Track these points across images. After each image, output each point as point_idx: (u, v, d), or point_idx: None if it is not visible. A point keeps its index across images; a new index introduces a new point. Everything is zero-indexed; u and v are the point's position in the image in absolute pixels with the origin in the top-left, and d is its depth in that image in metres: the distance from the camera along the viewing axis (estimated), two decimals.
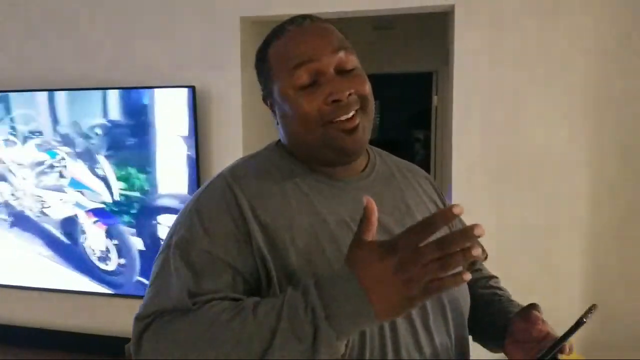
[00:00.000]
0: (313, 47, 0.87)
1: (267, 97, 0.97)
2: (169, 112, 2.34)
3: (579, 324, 0.80)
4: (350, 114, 0.87)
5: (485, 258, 1.18)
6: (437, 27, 3.40)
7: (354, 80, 0.88)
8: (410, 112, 6.18)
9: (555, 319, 2.21)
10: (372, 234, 0.71)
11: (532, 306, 0.94)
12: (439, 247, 0.63)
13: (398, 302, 0.66)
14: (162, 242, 0.91)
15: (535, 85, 2.17)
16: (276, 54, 0.92)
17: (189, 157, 2.34)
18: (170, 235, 0.88)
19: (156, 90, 2.34)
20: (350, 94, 0.86)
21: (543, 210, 2.20)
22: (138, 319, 0.82)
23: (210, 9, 2.38)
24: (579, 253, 2.20)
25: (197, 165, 2.33)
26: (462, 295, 0.95)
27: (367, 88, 0.90)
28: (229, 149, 2.42)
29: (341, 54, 0.88)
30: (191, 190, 2.33)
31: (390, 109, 5.95)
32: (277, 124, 0.95)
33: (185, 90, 2.31)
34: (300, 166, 0.93)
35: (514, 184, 2.21)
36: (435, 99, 4.22)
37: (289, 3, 2.34)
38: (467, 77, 2.22)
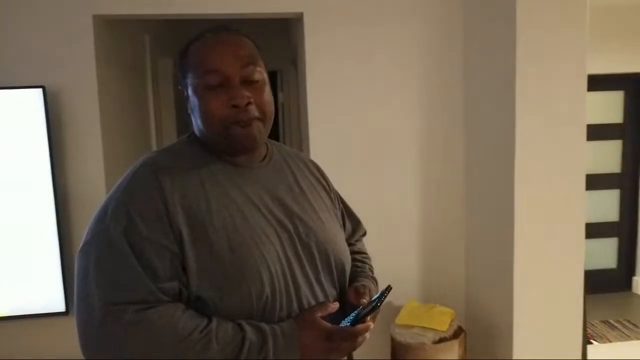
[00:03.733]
0: (225, 57, 1.03)
1: (183, 88, 1.09)
2: (17, 114, 2.21)
3: (374, 308, 1.00)
4: (248, 120, 1.03)
5: (364, 235, 1.44)
6: (278, 30, 3.65)
7: (255, 91, 1.04)
8: None
9: (396, 276, 2.62)
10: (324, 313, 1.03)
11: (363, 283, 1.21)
12: (356, 342, 1.02)
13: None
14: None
15: (375, 81, 2.53)
16: (195, 53, 1.06)
17: (42, 161, 2.23)
18: (102, 222, 0.96)
19: (1, 91, 2.19)
20: (249, 102, 1.03)
21: (385, 189, 2.60)
22: (106, 304, 0.90)
23: (61, 6, 2.29)
24: (414, 214, 2.64)
25: (52, 171, 2.23)
26: (345, 256, 1.19)
27: (265, 98, 1.06)
28: (88, 151, 2.36)
29: (249, 68, 1.04)
30: (47, 197, 2.24)
31: None
32: (189, 113, 1.10)
33: (35, 90, 2.20)
34: (211, 156, 1.07)
35: (363, 168, 2.56)
36: (280, 95, 4.50)
37: (142, 2, 2.37)
38: (318, 75, 2.50)
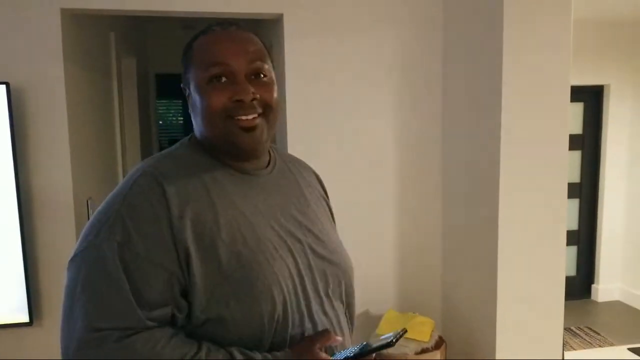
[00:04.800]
0: (232, 51, 0.95)
1: (186, 86, 1.02)
2: None
3: (390, 344, 0.90)
4: (251, 117, 0.95)
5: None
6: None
7: (261, 87, 0.96)
8: None
9: (373, 285, 2.59)
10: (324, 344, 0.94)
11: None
12: None
13: None
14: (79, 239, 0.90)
15: (353, 86, 2.51)
16: (199, 48, 0.98)
17: (5, 162, 2.08)
18: (98, 235, 0.87)
19: None
20: (254, 99, 0.95)
21: (362, 196, 2.57)
22: (89, 329, 0.82)
23: None
24: (391, 220, 2.62)
25: (15, 172, 2.09)
26: (350, 267, 1.12)
27: (273, 96, 0.98)
28: (54, 151, 2.23)
29: (257, 63, 0.97)
30: (10, 201, 2.09)
31: None
32: (190, 112, 1.01)
33: None
34: (215, 161, 0.99)
35: (340, 174, 2.52)
36: None
37: None
38: (296, 77, 2.45)
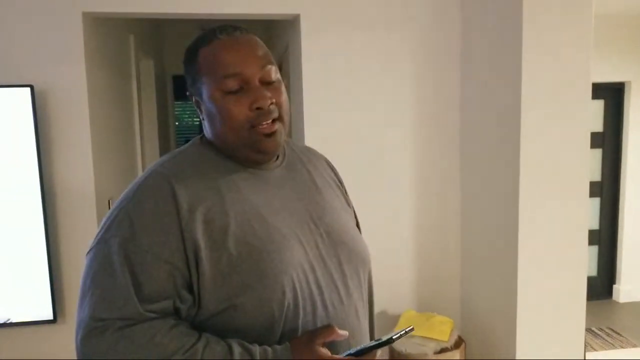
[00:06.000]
0: (243, 59, 0.98)
1: (194, 95, 1.04)
2: (5, 114, 2.11)
3: (389, 341, 0.91)
4: (271, 121, 0.98)
5: None
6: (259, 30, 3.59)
7: (274, 91, 0.99)
8: None
9: (392, 285, 2.58)
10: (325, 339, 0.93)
11: None
12: None
13: None
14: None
15: (370, 85, 2.51)
16: (207, 58, 0.99)
17: (29, 163, 2.13)
18: (107, 231, 0.93)
19: None
20: (271, 103, 0.98)
21: (381, 196, 2.56)
22: (94, 318, 0.88)
23: (50, 3, 2.20)
24: (409, 220, 2.61)
25: (40, 173, 2.14)
26: (367, 254, 1.13)
27: (284, 98, 1.02)
28: (76, 152, 2.27)
29: (267, 68, 0.99)
30: (34, 201, 2.13)
31: None
32: (203, 119, 1.04)
33: (23, 89, 2.10)
34: (225, 158, 1.02)
35: (358, 175, 2.52)
36: None
37: (133, 0, 2.29)
38: (314, 78, 2.46)
